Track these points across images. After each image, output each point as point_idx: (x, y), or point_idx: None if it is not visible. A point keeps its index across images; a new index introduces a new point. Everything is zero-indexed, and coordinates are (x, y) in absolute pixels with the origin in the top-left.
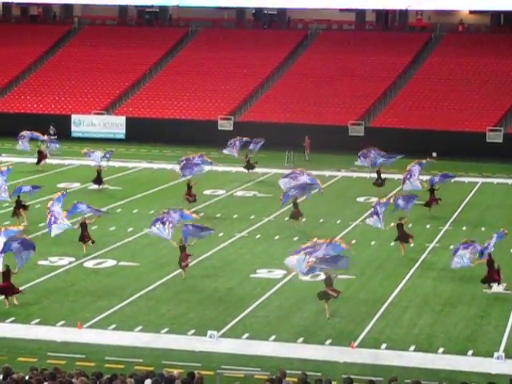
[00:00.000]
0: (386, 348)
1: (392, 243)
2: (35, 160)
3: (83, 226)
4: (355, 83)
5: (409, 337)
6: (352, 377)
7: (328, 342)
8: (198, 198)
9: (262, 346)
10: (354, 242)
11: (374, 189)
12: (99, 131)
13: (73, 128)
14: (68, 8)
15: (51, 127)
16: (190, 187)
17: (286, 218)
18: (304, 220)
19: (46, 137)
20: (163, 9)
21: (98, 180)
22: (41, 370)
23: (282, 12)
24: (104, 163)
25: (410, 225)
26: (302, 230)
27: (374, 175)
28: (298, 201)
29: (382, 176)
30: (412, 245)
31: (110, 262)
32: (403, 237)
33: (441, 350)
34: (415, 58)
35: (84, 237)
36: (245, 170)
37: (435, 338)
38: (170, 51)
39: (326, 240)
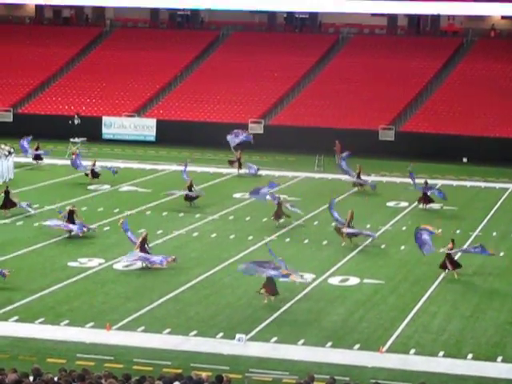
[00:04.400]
0: (415, 353)
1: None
2: (67, 162)
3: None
4: (386, 88)
5: (438, 342)
6: (380, 382)
7: (356, 346)
8: (228, 202)
9: (291, 350)
10: (383, 246)
11: (404, 193)
12: (130, 133)
13: (103, 130)
14: (100, 10)
15: (76, 117)
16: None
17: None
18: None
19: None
20: (195, 12)
21: (96, 175)
22: (69, 371)
23: (313, 16)
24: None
25: (440, 230)
26: (329, 234)
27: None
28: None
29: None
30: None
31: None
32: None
33: (470, 355)
34: (447, 63)
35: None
36: (235, 170)
37: (464, 344)
38: (201, 54)
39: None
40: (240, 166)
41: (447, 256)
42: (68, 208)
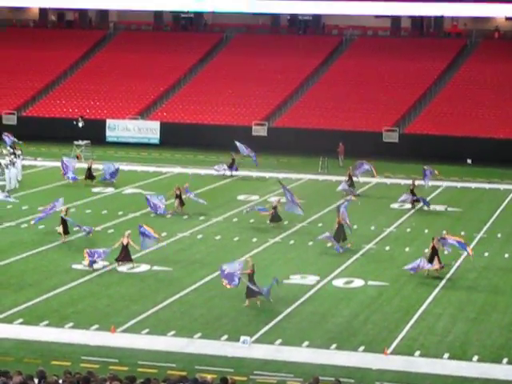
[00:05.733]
0: (420, 355)
1: (426, 250)
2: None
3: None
4: (390, 89)
5: (443, 344)
6: None
7: (361, 348)
8: (232, 204)
9: (295, 352)
10: (387, 248)
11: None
12: (134, 136)
13: (107, 133)
14: (104, 13)
15: (80, 119)
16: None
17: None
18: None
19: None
20: (198, 14)
21: (91, 175)
22: (74, 373)
23: (316, 18)
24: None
25: (444, 232)
26: None
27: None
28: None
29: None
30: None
31: (144, 267)
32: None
33: (475, 357)
34: (450, 65)
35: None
36: (228, 172)
37: (469, 346)
38: (204, 57)
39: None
40: (233, 167)
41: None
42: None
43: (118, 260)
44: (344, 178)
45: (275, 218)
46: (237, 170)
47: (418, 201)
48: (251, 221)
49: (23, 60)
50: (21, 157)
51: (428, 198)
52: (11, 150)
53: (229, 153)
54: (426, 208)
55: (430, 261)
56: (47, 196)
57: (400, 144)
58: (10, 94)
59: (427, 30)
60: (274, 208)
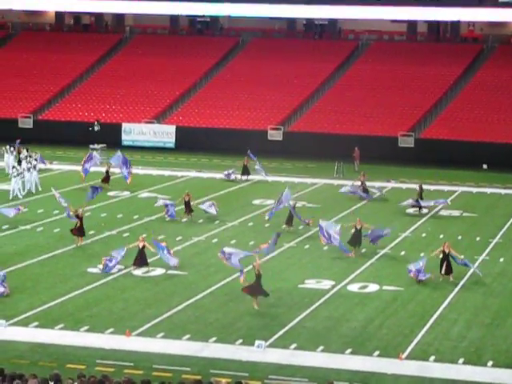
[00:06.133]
0: (435, 360)
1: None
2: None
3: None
4: (406, 94)
5: (458, 349)
6: None
7: (376, 353)
8: (247, 208)
9: (310, 357)
10: (403, 253)
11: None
12: (149, 140)
13: (123, 137)
14: (120, 17)
15: (96, 123)
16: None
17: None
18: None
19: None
20: (214, 18)
21: (107, 178)
22: (89, 377)
23: (332, 22)
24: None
25: (460, 237)
26: None
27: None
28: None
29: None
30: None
31: (159, 271)
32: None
33: (490, 363)
34: (467, 70)
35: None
36: (240, 176)
37: (484, 352)
38: (220, 61)
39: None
40: (247, 172)
41: (445, 259)
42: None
43: (134, 264)
44: (351, 182)
45: (290, 220)
46: (249, 174)
47: (419, 207)
48: (266, 225)
49: (39, 63)
50: (38, 160)
51: (442, 205)
52: (26, 154)
53: (243, 157)
54: (425, 211)
55: (441, 266)
56: None
57: (415, 149)
58: (26, 98)
59: (443, 35)
60: (290, 212)
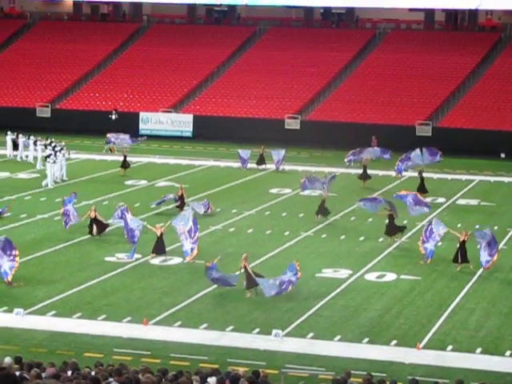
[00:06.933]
0: (452, 350)
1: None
2: (104, 157)
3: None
4: (423, 83)
5: (475, 339)
6: (417, 378)
7: (393, 342)
8: (264, 197)
9: (327, 346)
10: (420, 242)
11: (440, 189)
12: (167, 129)
13: (141, 126)
14: (137, 6)
15: (114, 112)
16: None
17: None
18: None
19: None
20: (232, 7)
21: (125, 164)
22: (106, 365)
23: (350, 11)
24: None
25: (477, 226)
26: (366, 230)
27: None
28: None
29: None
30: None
31: (177, 260)
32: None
33: (508, 352)
34: (484, 58)
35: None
36: (256, 166)
37: (502, 341)
38: (237, 50)
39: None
40: (263, 162)
41: (460, 248)
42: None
43: (152, 252)
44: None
45: (322, 210)
46: (265, 163)
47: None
48: (283, 214)
49: (57, 53)
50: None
51: (462, 192)
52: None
53: (260, 146)
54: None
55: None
56: (80, 188)
57: (433, 138)
58: (44, 87)
59: (461, 24)
60: (323, 201)
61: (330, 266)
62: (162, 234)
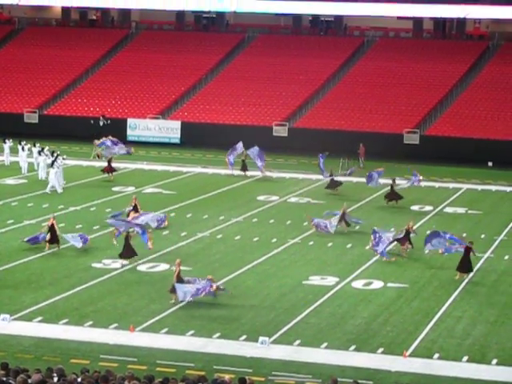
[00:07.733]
0: (439, 358)
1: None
2: (92, 163)
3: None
4: (411, 91)
5: (462, 347)
6: None
7: (380, 350)
8: (252, 204)
9: (314, 353)
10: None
11: (427, 197)
12: (154, 135)
13: (128, 132)
14: (126, 13)
15: (101, 118)
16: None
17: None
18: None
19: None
20: (220, 14)
21: (111, 168)
22: (93, 372)
23: (338, 19)
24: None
25: (464, 234)
26: (354, 237)
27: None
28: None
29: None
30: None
31: (163, 266)
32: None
33: (494, 361)
34: (472, 67)
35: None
36: (241, 172)
37: (489, 349)
38: (226, 57)
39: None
40: (246, 168)
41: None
42: (48, 223)
43: (120, 257)
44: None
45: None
46: (247, 170)
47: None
48: (271, 221)
49: (45, 59)
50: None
51: (449, 201)
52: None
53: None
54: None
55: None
56: (68, 195)
57: (421, 146)
58: (31, 93)
59: (449, 32)
60: (343, 214)
61: (317, 273)
62: (128, 237)
